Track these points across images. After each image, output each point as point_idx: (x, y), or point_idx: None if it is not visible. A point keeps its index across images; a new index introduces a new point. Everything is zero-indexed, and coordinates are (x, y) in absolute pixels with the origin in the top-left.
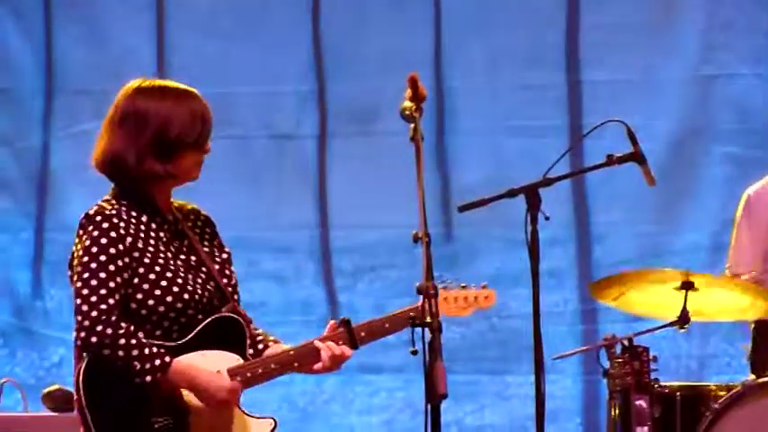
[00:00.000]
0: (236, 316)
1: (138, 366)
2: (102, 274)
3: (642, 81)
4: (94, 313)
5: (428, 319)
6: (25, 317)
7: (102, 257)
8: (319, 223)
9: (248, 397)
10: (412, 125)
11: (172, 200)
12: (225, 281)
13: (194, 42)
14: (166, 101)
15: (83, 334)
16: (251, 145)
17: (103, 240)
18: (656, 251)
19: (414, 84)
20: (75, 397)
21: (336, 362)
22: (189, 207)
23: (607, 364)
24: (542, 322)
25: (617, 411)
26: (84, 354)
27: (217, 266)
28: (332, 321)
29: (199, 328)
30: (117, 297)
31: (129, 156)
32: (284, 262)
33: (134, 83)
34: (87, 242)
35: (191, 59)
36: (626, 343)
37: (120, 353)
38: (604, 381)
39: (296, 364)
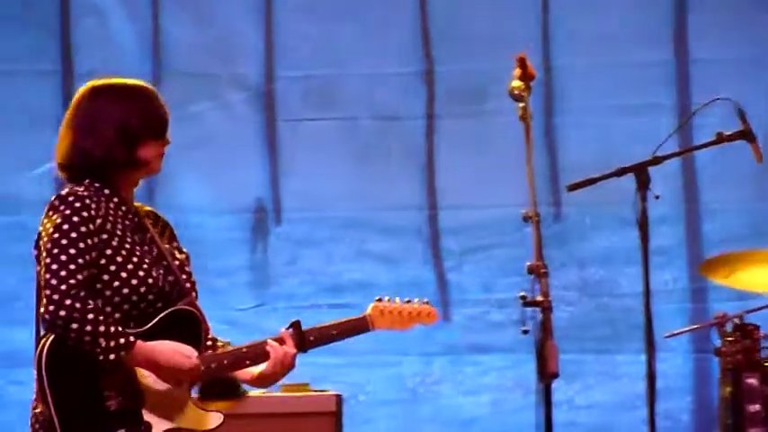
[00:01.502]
0: (194, 310)
1: (104, 344)
2: (72, 251)
3: (751, 58)
4: (64, 287)
5: (539, 299)
6: None
7: (73, 234)
8: (427, 204)
9: (353, 377)
10: (521, 105)
11: (136, 202)
12: (184, 277)
13: (301, 24)
14: (124, 98)
15: (51, 307)
16: (359, 126)
17: (75, 219)
18: (765, 228)
19: (522, 63)
20: (36, 373)
21: (281, 362)
22: (147, 208)
23: (718, 343)
24: (652, 301)
25: (728, 389)
26: (52, 329)
27: (176, 262)
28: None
29: (159, 317)
30: (86, 274)
31: (95, 150)
32: (393, 243)
33: (90, 84)
34: (58, 220)
35: (297, 41)
36: (737, 321)
37: (88, 328)
38: (715, 359)
39: (248, 362)
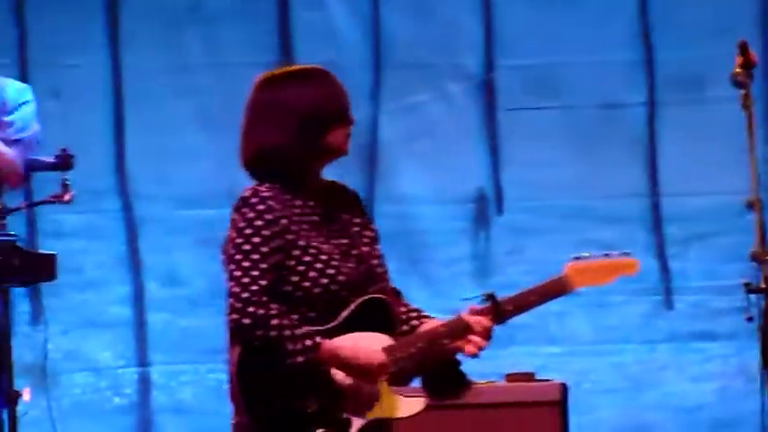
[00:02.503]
0: (384, 297)
1: (291, 347)
2: (255, 256)
3: None
4: (246, 294)
5: (763, 286)
6: None
7: (256, 239)
8: (650, 191)
9: (576, 366)
10: (743, 91)
11: (323, 178)
12: (375, 261)
13: (521, 12)
14: (304, 84)
15: (235, 316)
16: (579, 114)
17: (258, 222)
18: None
19: (744, 50)
20: (229, 385)
21: (485, 336)
22: (338, 185)
23: None
24: None
25: None
26: (237, 337)
27: (366, 248)
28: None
29: (349, 309)
30: (269, 278)
31: (282, 144)
32: (615, 231)
33: (264, 75)
34: (241, 224)
35: (517, 30)
36: None
37: (273, 333)
38: None
39: (446, 341)
